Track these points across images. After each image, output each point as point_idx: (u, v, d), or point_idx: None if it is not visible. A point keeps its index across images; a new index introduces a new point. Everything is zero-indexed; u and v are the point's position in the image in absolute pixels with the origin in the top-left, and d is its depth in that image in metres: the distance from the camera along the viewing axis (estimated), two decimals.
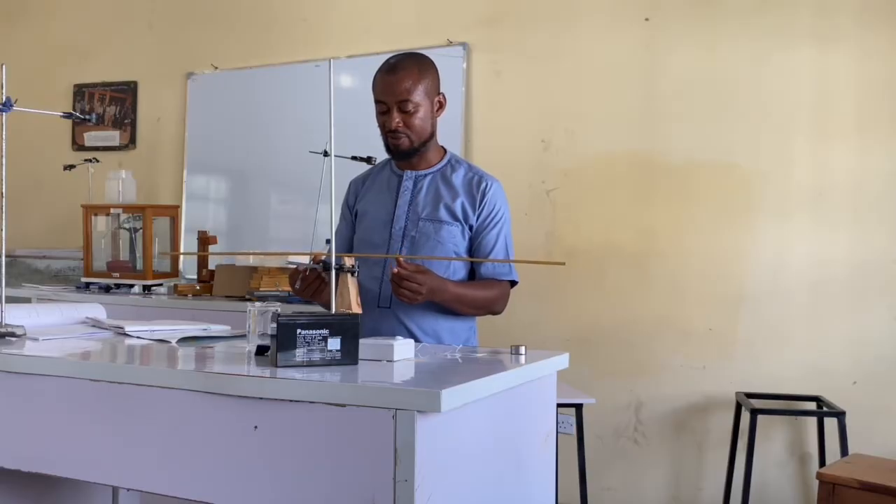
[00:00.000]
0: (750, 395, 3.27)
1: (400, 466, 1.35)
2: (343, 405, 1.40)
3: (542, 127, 3.73)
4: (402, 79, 2.20)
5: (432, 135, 2.30)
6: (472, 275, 2.35)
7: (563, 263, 1.92)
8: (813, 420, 3.29)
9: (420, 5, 3.99)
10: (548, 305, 3.68)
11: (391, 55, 2.29)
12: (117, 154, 4.65)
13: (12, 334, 1.87)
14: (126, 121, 4.67)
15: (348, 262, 1.78)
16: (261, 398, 1.47)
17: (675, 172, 3.51)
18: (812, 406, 3.28)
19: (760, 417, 3.11)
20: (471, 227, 2.29)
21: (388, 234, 2.30)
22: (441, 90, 2.30)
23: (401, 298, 2.11)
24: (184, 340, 1.94)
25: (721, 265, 3.45)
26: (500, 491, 1.68)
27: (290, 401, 1.44)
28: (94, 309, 2.27)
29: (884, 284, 3.26)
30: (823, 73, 3.34)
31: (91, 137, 4.75)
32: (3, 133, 1.86)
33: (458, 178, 2.31)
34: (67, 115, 2.15)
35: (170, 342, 1.91)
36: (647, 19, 3.58)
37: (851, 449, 3.00)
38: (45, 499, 2.23)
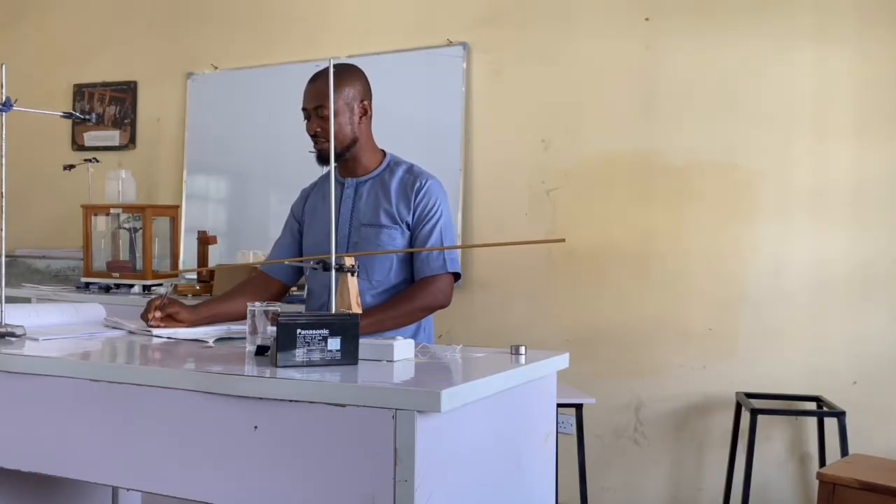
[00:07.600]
0: (750, 395, 3.27)
1: (400, 466, 1.35)
2: (343, 405, 1.40)
3: (542, 127, 3.73)
4: (319, 86, 2.28)
5: (354, 141, 2.33)
6: None
7: (563, 240, 1.91)
8: (813, 420, 3.29)
9: (420, 5, 3.99)
10: (548, 305, 3.68)
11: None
12: (117, 154, 4.65)
13: (12, 334, 1.87)
14: (126, 121, 4.67)
15: (348, 262, 1.78)
16: (261, 398, 1.47)
17: (675, 172, 3.51)
18: (812, 406, 3.28)
19: (760, 417, 3.11)
20: (408, 226, 2.32)
21: (335, 242, 2.32)
22: (364, 99, 2.33)
23: None
24: (220, 341, 1.95)
25: (721, 265, 3.45)
26: (500, 491, 1.68)
27: (290, 401, 1.44)
28: (94, 309, 2.27)
29: (884, 284, 3.26)
30: (823, 73, 3.34)
31: (91, 137, 4.74)
32: (3, 133, 1.86)
33: (394, 181, 2.35)
34: (67, 115, 2.15)
35: (207, 342, 1.92)
36: (647, 19, 3.58)
37: (851, 449, 3.00)
38: (45, 499, 2.23)
